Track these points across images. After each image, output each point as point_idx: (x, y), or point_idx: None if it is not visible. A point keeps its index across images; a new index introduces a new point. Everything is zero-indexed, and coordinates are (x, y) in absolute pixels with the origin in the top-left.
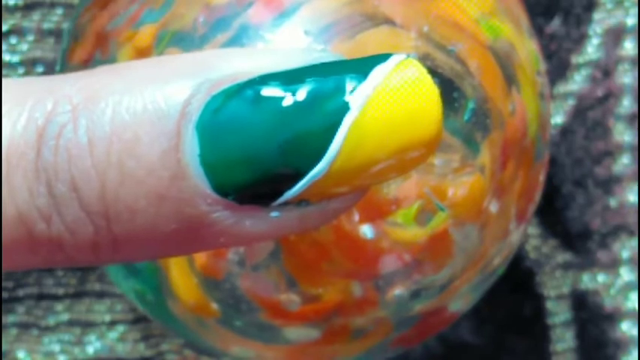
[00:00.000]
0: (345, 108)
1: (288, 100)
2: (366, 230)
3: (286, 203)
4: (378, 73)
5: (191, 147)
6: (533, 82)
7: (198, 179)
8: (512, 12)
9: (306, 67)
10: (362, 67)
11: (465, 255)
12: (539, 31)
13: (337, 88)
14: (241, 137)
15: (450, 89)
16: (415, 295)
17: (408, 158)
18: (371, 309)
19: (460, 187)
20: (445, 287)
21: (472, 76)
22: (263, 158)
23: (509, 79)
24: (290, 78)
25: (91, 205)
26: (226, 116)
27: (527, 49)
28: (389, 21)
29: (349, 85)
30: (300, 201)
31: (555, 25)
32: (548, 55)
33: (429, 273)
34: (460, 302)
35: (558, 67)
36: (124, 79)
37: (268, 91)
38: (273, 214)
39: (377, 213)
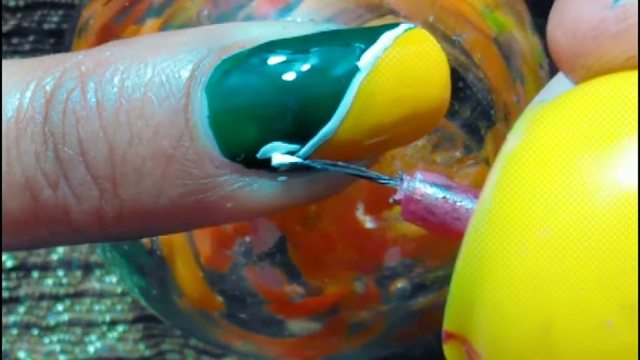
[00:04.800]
0: (354, 71)
1: (297, 65)
2: (371, 222)
3: (294, 168)
4: (388, 36)
5: (200, 108)
6: (536, 75)
7: (206, 140)
8: (516, 6)
9: (316, 34)
10: (371, 33)
11: None
12: (539, 31)
13: (347, 52)
14: (250, 100)
15: (454, 79)
16: (417, 289)
17: (416, 123)
18: (373, 303)
19: (464, 178)
20: (447, 282)
21: (477, 67)
22: (271, 120)
23: (513, 72)
24: (300, 43)
25: (98, 168)
26: (235, 80)
27: (530, 43)
28: (394, 11)
29: (359, 49)
30: (308, 167)
31: None
32: (548, 55)
33: (432, 266)
34: None
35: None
36: (135, 46)
37: (278, 55)
38: (281, 178)
39: (383, 203)
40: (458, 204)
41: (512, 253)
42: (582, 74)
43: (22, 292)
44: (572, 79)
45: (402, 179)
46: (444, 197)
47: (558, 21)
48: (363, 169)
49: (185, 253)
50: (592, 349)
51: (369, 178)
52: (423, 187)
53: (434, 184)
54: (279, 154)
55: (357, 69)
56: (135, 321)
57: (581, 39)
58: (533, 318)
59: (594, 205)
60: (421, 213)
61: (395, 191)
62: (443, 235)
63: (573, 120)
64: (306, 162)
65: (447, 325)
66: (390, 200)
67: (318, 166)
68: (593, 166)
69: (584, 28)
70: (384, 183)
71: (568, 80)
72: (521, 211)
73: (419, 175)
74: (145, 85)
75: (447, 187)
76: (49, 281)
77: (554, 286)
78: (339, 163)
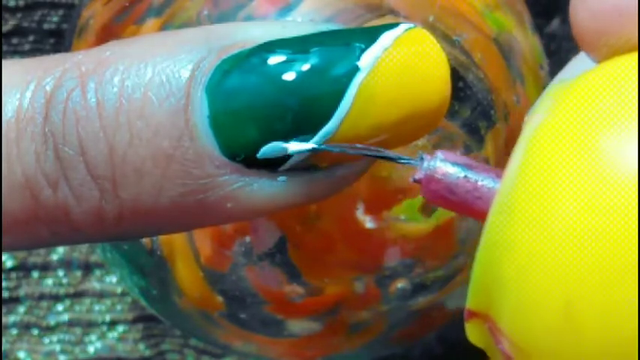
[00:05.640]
0: (354, 71)
1: (297, 65)
2: (371, 222)
3: (294, 168)
4: (388, 36)
5: (200, 108)
6: (536, 75)
7: (206, 140)
8: (515, 7)
9: (316, 34)
10: (371, 33)
11: (467, 249)
12: (539, 31)
13: (347, 52)
14: (250, 100)
15: (454, 79)
16: (417, 289)
17: (416, 123)
18: (373, 303)
19: None
20: (447, 282)
21: (477, 67)
22: (272, 121)
23: (513, 72)
24: (300, 43)
25: (98, 169)
26: (235, 80)
27: (530, 43)
28: (394, 11)
29: (359, 49)
30: (308, 167)
31: (555, 25)
32: (548, 55)
33: (432, 266)
34: (460, 299)
35: (558, 67)
36: (134, 45)
37: (278, 55)
38: (281, 178)
39: (383, 203)
40: (479, 183)
41: (536, 233)
42: (604, 52)
43: (22, 292)
44: (594, 57)
45: (422, 158)
46: (465, 176)
47: (580, 1)
48: (382, 149)
49: (185, 253)
50: (612, 326)
51: (389, 159)
52: (444, 165)
53: (455, 163)
54: (295, 142)
55: (357, 69)
56: (135, 321)
57: (604, 17)
58: (555, 296)
59: (618, 184)
60: (442, 192)
61: (395, 191)
62: (464, 214)
63: (597, 98)
64: (324, 147)
65: (470, 304)
66: (411, 180)
67: (336, 150)
68: (617, 145)
69: (608, 7)
70: (404, 163)
71: (589, 60)
72: (545, 190)
73: (440, 155)
74: (145, 85)
75: (468, 167)
76: (49, 281)
77: (577, 265)
78: (358, 145)
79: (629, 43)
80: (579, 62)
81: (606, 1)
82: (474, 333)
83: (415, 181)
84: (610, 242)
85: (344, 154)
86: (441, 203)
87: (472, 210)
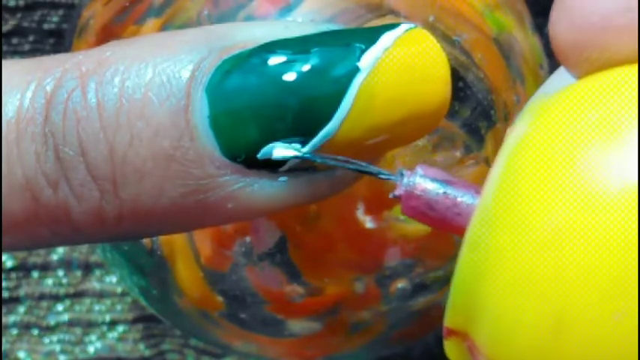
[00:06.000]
0: (355, 71)
1: (298, 65)
2: (371, 221)
3: (295, 168)
4: (388, 37)
5: (200, 108)
6: (536, 75)
7: (206, 141)
8: (515, 6)
9: (316, 34)
10: (371, 33)
11: None
12: (539, 31)
13: (347, 53)
14: (250, 101)
15: (454, 79)
16: (417, 289)
17: (416, 123)
18: (373, 303)
19: (465, 178)
20: (447, 282)
21: (477, 67)
22: (272, 121)
23: (513, 72)
24: (301, 44)
25: (99, 169)
26: (236, 80)
27: (530, 43)
28: (394, 12)
29: (359, 49)
30: (308, 167)
31: None
32: (548, 55)
33: (432, 266)
34: None
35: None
36: (135, 46)
37: (278, 55)
38: (282, 179)
39: (383, 203)
40: (459, 199)
41: (515, 249)
42: (585, 68)
43: (22, 292)
44: (574, 73)
45: (402, 174)
46: (444, 192)
47: (561, 14)
48: (364, 163)
49: (185, 253)
50: (609, 342)
51: (370, 173)
52: (423, 182)
53: (435, 180)
54: (281, 148)
55: (357, 69)
56: (135, 321)
57: (586, 31)
58: (536, 313)
59: (598, 198)
60: (422, 208)
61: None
62: (444, 231)
63: (576, 113)
64: (306, 156)
65: (448, 322)
66: (390, 196)
67: (318, 160)
68: (597, 159)
69: (590, 20)
70: (384, 178)
71: (569, 75)
72: (524, 205)
73: (419, 171)
74: (146, 85)
75: (447, 183)
76: (49, 281)
77: (559, 282)
78: (340, 157)
79: (612, 57)
80: (559, 78)
81: (588, 14)
82: (452, 351)
83: (394, 197)
84: (591, 257)
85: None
86: (421, 219)
87: (451, 226)
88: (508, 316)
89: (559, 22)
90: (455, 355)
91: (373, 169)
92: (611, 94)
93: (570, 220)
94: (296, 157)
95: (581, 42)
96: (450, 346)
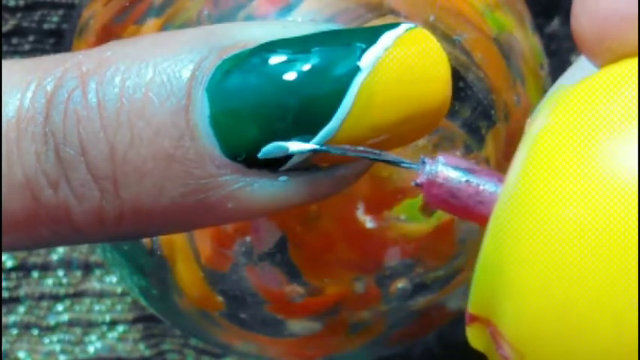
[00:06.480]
0: (355, 71)
1: (298, 65)
2: (371, 221)
3: (295, 168)
4: (389, 37)
5: (201, 108)
6: (536, 75)
7: (207, 140)
8: (516, 6)
9: (317, 34)
10: (372, 33)
11: (467, 249)
12: (539, 31)
13: (348, 52)
14: (251, 100)
15: (455, 79)
16: (417, 289)
17: (417, 123)
18: (373, 303)
19: None
20: (447, 282)
21: (477, 67)
22: (272, 120)
23: (514, 72)
24: (301, 43)
25: (99, 169)
26: (236, 80)
27: (530, 43)
28: (394, 11)
29: (359, 49)
30: (308, 167)
31: (555, 25)
32: (548, 55)
33: (432, 266)
34: (461, 299)
35: (558, 67)
36: (135, 45)
37: (279, 55)
38: (282, 178)
39: (383, 203)
40: (481, 187)
41: (538, 237)
42: (607, 57)
43: (22, 292)
44: (596, 62)
45: (424, 162)
46: (467, 181)
47: (584, 4)
48: (383, 152)
49: (185, 253)
50: (613, 330)
51: (390, 162)
52: (445, 170)
53: (457, 167)
54: (297, 142)
55: (357, 69)
56: (135, 321)
57: (606, 22)
58: (556, 300)
59: (620, 188)
60: (444, 196)
61: (396, 190)
62: (466, 219)
63: (599, 103)
64: (325, 148)
65: (472, 308)
66: (412, 184)
67: (338, 152)
68: (620, 149)
69: (610, 11)
70: (405, 167)
71: (589, 65)
72: (547, 194)
73: (441, 159)
74: (146, 85)
75: (470, 171)
76: (49, 281)
77: (579, 269)
78: (359, 147)
79: (632, 47)
80: (579, 68)
81: (608, 5)
82: (475, 337)
83: (417, 185)
84: (612, 246)
85: (342, 156)
86: (443, 207)
87: (474, 214)
88: (526, 302)
89: (581, 11)
90: (477, 341)
91: (393, 157)
92: (632, 84)
93: (592, 210)
94: (314, 149)
95: (602, 33)
96: (472, 332)
